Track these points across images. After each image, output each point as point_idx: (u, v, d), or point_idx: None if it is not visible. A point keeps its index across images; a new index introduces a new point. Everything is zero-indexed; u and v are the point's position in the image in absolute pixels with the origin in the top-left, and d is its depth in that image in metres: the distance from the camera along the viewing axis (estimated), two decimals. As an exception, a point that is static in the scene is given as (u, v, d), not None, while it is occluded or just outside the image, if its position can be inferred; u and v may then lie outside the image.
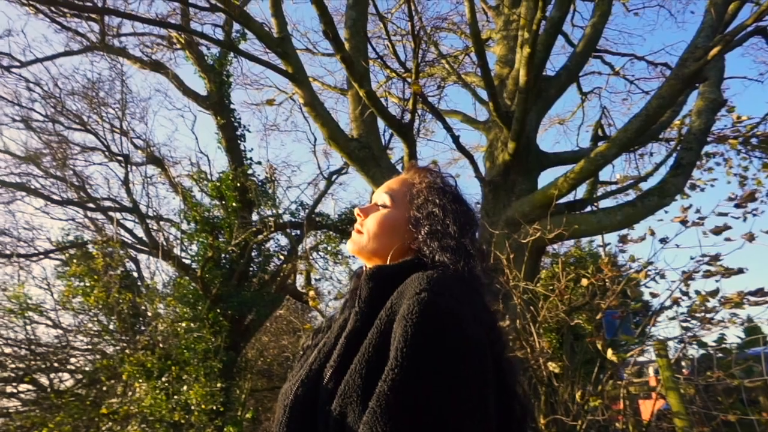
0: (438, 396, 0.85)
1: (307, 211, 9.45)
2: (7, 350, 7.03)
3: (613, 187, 7.36)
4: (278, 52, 5.79)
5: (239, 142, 8.84)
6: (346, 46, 5.65)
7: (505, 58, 6.70)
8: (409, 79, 5.47)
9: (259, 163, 9.15)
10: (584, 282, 3.88)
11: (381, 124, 6.04)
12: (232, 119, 8.74)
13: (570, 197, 5.94)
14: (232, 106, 8.80)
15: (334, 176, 10.09)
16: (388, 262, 1.14)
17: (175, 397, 5.28)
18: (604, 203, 7.47)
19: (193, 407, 5.17)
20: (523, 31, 5.41)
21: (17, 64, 7.16)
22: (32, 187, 8.50)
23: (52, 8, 6.52)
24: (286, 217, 9.45)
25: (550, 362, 3.63)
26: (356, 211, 1.27)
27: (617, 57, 9.53)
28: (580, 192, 7.04)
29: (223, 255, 8.32)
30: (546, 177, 11.33)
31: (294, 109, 10.84)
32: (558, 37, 5.52)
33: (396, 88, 7.88)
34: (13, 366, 6.80)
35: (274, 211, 9.03)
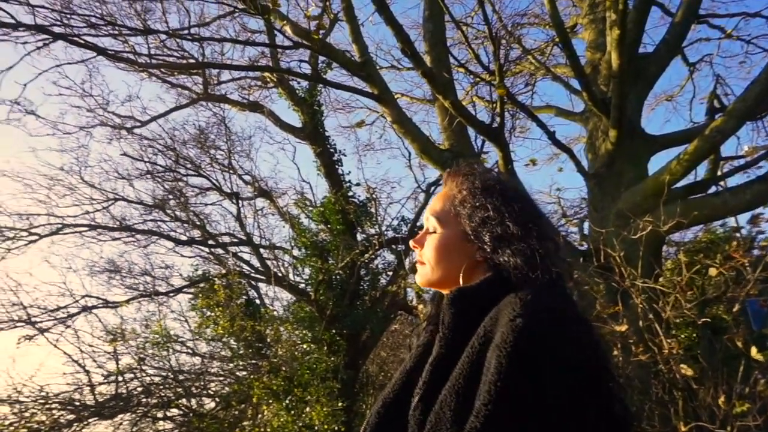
0: None
1: (409, 225, 9.53)
2: (156, 379, 7.80)
3: (741, 162, 6.62)
4: (362, 76, 5.95)
5: (337, 166, 9.16)
6: (427, 59, 5.68)
7: (594, 43, 6.34)
8: (494, 82, 5.35)
9: (358, 184, 9.41)
10: (713, 272, 3.52)
11: (472, 131, 5.96)
12: (328, 146, 9.09)
13: (690, 179, 5.44)
14: (326, 134, 9.16)
15: (432, 188, 10.09)
16: (461, 283, 1.08)
17: (301, 417, 5.53)
18: (733, 180, 6.72)
19: (316, 427, 5.39)
20: (610, 12, 5.09)
21: (138, 124, 8.08)
22: (162, 230, 9.43)
23: (163, 70, 7.23)
24: (390, 234, 9.59)
25: (682, 364, 3.32)
26: (411, 244, 1.21)
27: (726, 18, 8.59)
28: (702, 172, 6.42)
29: (333, 276, 8.62)
30: (657, 162, 10.44)
31: (386, 127, 11.03)
32: (651, 10, 5.13)
33: (484, 91, 7.75)
34: (161, 394, 7.53)
35: (377, 229, 9.20)
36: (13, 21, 4.56)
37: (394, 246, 9.56)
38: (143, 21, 6.69)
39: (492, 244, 1.04)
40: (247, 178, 10.07)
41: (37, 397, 6.86)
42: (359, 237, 9.39)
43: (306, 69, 8.30)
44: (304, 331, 7.93)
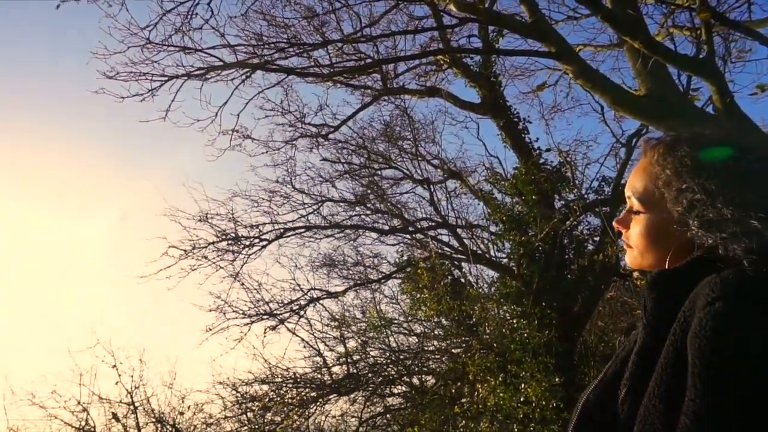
0: (754, 429, 0.70)
1: (612, 184, 8.75)
2: (379, 359, 8.52)
3: None
4: (536, 36, 5.61)
5: (523, 135, 8.83)
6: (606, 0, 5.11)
7: None
8: (694, 6, 4.57)
9: (549, 150, 8.94)
10: None
11: (674, 68, 5.21)
12: (511, 116, 8.80)
13: None
14: (507, 104, 8.88)
15: (634, 140, 9.08)
16: (668, 266, 0.99)
17: (517, 394, 5.50)
18: None
19: (534, 404, 5.30)
20: None
21: (331, 129, 8.81)
22: (366, 223, 10.19)
23: (344, 75, 7.76)
24: (591, 197, 8.94)
25: None
26: (615, 224, 1.13)
27: None
28: None
29: (535, 249, 8.36)
30: None
31: (571, 84, 10.24)
32: None
33: (682, 19, 6.65)
34: (386, 372, 8.20)
35: (576, 194, 8.65)
36: (221, 62, 5.34)
37: (597, 209, 8.90)
38: (321, 34, 7.25)
39: (701, 230, 0.92)
40: (435, 162, 10.31)
41: (286, 378, 8.04)
42: (558, 204, 8.95)
43: (477, 43, 8.15)
44: (511, 307, 7.86)
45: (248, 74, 5.64)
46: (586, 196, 8.93)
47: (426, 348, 8.80)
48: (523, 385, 5.65)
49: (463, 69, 8.57)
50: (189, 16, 5.71)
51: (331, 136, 9.18)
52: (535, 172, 8.43)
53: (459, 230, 9.68)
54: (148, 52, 5.67)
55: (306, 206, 9.66)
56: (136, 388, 7.96)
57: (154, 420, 8.05)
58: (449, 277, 9.26)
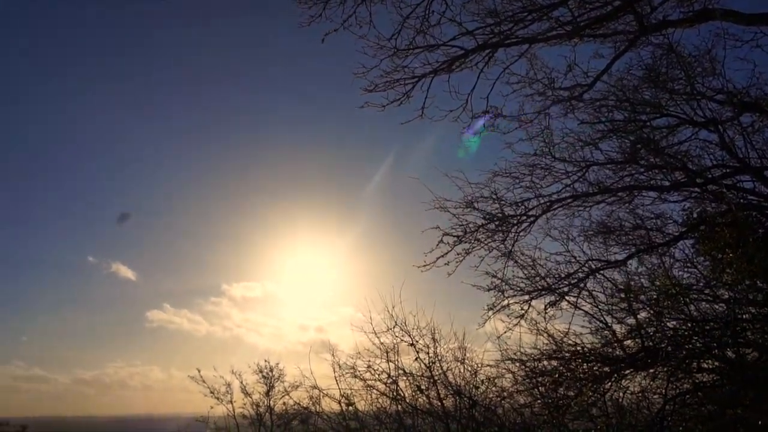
0: None
1: None
2: (680, 330, 7.58)
3: None
4: None
5: None
6: None
7: None
8: None
9: None
10: None
11: None
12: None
13: None
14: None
15: None
16: None
17: None
18: None
19: None
20: None
21: (585, 89, 8.17)
22: (641, 182, 9.15)
23: (591, 27, 7.13)
24: None
25: None
26: None
27: None
28: None
29: None
30: None
31: None
32: None
33: None
34: (690, 345, 7.26)
35: None
36: (462, 50, 5.49)
37: None
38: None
39: None
40: (720, 97, 8.67)
41: (575, 353, 7.81)
42: None
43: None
44: None
45: (490, 54, 5.67)
46: None
47: (740, 316, 7.49)
48: None
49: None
50: (426, 15, 6.02)
51: (585, 96, 8.54)
52: None
53: (767, 172, 7.99)
54: (397, 59, 6.19)
55: (570, 174, 9.18)
56: (432, 363, 8.74)
57: (452, 392, 8.71)
58: (760, 231, 7.73)
